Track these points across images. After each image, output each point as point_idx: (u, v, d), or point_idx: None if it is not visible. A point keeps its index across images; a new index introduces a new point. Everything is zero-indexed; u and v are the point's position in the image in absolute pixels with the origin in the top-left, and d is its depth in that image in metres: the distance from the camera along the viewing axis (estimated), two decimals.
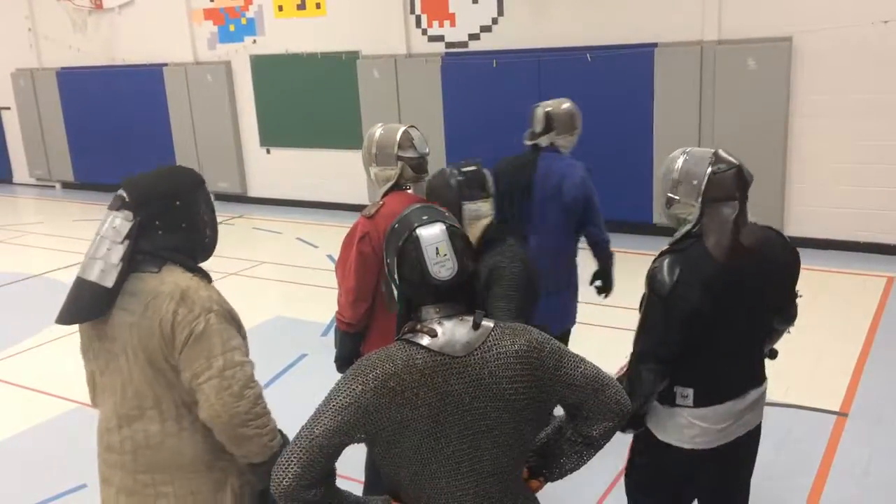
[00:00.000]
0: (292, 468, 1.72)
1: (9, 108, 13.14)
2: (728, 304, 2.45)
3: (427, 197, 2.90)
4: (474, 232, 2.77)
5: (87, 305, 2.12)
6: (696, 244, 2.44)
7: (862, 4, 7.03)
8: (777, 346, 2.80)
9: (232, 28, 10.66)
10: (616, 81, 8.11)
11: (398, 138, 3.24)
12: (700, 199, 2.43)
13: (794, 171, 7.63)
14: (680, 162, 2.50)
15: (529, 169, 3.98)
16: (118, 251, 2.10)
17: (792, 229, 7.51)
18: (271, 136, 10.76)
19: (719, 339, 2.48)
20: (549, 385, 1.84)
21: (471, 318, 1.81)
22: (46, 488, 4.16)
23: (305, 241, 8.93)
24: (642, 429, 2.63)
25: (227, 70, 10.73)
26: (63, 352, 6.08)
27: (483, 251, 2.75)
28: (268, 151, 10.83)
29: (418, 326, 1.80)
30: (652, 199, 8.08)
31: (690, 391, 2.51)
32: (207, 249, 2.29)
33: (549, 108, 4.20)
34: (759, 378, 2.65)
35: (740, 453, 2.68)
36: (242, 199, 11.03)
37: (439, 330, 1.78)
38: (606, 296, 4.28)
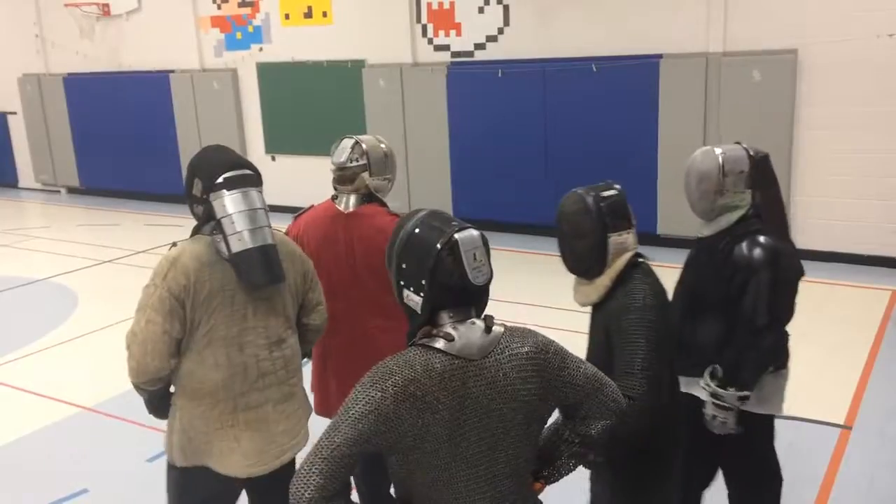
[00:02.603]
0: (314, 479, 1.68)
1: (15, 113, 13.19)
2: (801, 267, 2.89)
3: (560, 224, 2.56)
4: (615, 267, 2.44)
5: (280, 264, 2.62)
6: (760, 223, 2.77)
7: (868, 18, 7.04)
8: None
9: (239, 36, 10.71)
10: (621, 92, 8.12)
11: (335, 146, 3.34)
12: (749, 185, 2.76)
13: (799, 183, 7.63)
14: (720, 158, 2.76)
15: None
16: (268, 217, 2.63)
17: (796, 241, 7.49)
18: (276, 144, 10.79)
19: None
20: (555, 385, 1.88)
21: (480, 321, 1.83)
22: (49, 493, 4.15)
23: None
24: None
25: (233, 77, 10.77)
26: (66, 356, 6.10)
27: (616, 285, 2.45)
28: (273, 158, 10.86)
29: (434, 331, 1.80)
30: (656, 211, 8.08)
31: None
32: None
33: None
34: None
35: None
36: None
37: (455, 334, 1.79)
38: None
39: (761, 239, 2.71)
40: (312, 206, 3.41)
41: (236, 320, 2.58)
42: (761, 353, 2.72)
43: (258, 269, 2.53)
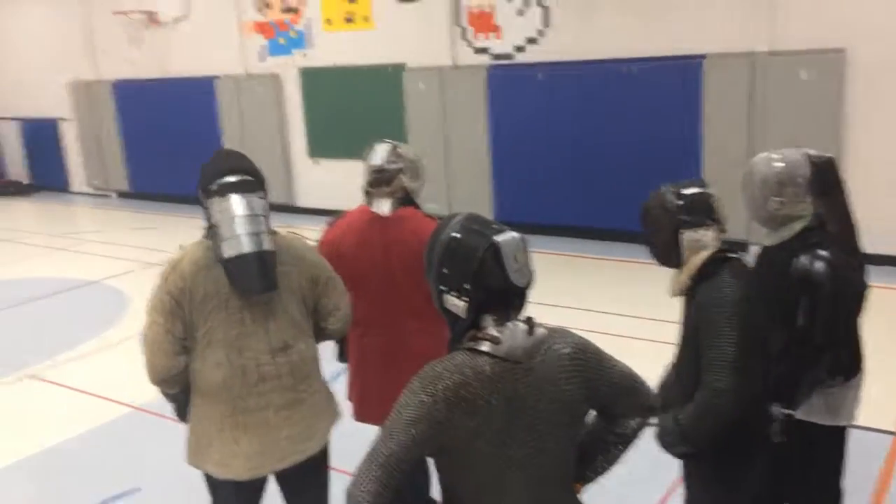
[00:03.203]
0: (371, 486, 1.69)
1: (67, 120, 13.55)
2: (864, 280, 2.77)
3: (642, 219, 2.58)
4: (692, 264, 2.45)
5: (274, 270, 2.62)
6: (824, 234, 2.64)
7: None
8: None
9: (282, 41, 10.86)
10: (663, 94, 8.05)
11: (369, 150, 3.37)
12: (810, 194, 2.62)
13: (849, 185, 7.45)
14: (777, 165, 2.64)
15: None
16: (267, 223, 2.64)
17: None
18: (319, 147, 10.92)
19: (858, 315, 2.77)
20: (595, 384, 1.90)
21: (521, 323, 1.85)
22: (101, 491, 4.27)
23: None
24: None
25: (276, 82, 10.93)
26: (118, 357, 6.25)
27: (696, 284, 2.46)
28: (315, 162, 10.99)
29: (479, 334, 1.82)
30: None
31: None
32: None
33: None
34: None
35: None
36: (290, 209, 11.19)
37: (500, 337, 1.81)
38: None
39: (821, 253, 2.58)
40: (347, 211, 3.43)
41: (233, 324, 2.62)
42: (815, 374, 2.64)
43: (246, 276, 2.56)
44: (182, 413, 2.88)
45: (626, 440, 2.06)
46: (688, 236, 2.44)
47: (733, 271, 2.42)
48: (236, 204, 2.58)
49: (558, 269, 7.76)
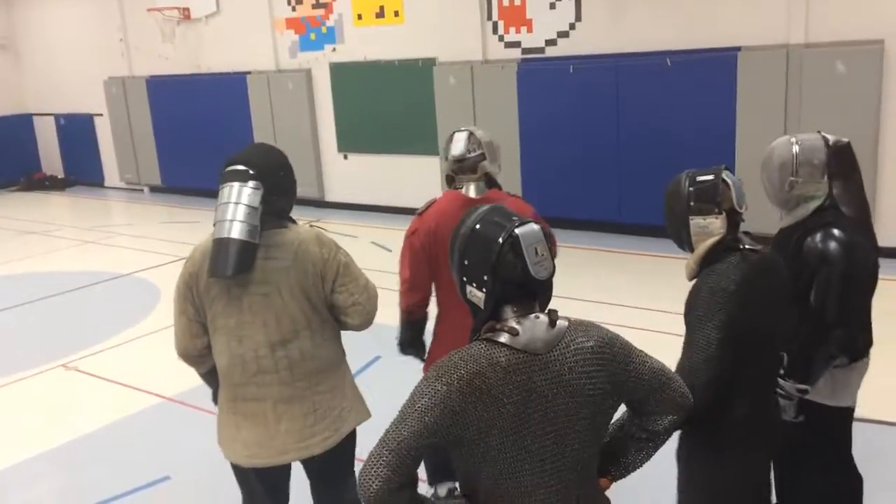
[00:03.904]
0: (381, 471, 1.71)
1: (101, 115, 13.76)
2: (876, 261, 2.79)
3: (665, 204, 2.61)
4: (700, 249, 2.49)
5: (244, 259, 2.59)
6: (837, 214, 2.72)
7: None
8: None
9: (313, 37, 10.90)
10: (697, 87, 7.94)
11: (448, 140, 3.48)
12: (826, 175, 2.71)
13: (886, 179, 7.31)
14: (795, 147, 2.75)
15: None
16: (256, 215, 2.61)
17: (883, 239, 7.16)
18: (349, 142, 10.95)
19: (871, 296, 2.80)
20: (621, 379, 1.87)
21: (544, 316, 1.83)
22: (132, 479, 4.32)
23: (380, 245, 9.04)
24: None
25: (307, 78, 10.98)
26: (149, 348, 6.33)
27: (702, 268, 2.49)
28: (345, 157, 11.02)
29: (498, 326, 1.81)
30: None
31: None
32: (292, 209, 2.84)
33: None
34: None
35: None
36: (320, 203, 11.25)
37: (519, 328, 1.79)
38: None
39: (834, 231, 2.67)
40: (434, 199, 3.45)
41: (233, 312, 2.69)
42: (827, 350, 2.68)
43: (213, 259, 2.61)
44: (215, 397, 2.95)
45: (658, 437, 2.04)
46: (695, 223, 2.48)
47: (738, 261, 2.41)
48: (223, 192, 2.65)
49: (589, 264, 7.70)
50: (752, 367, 2.42)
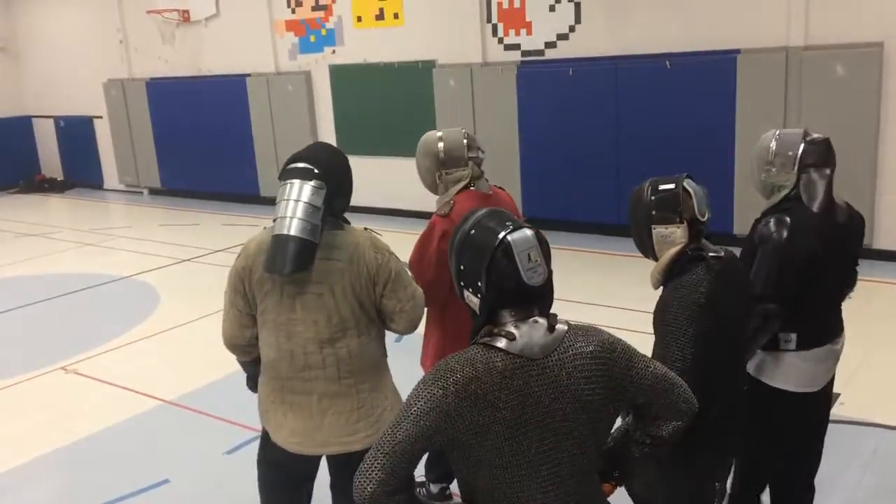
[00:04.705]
0: (376, 474, 1.72)
1: (101, 117, 13.75)
2: (832, 250, 2.81)
3: (629, 212, 2.64)
4: (663, 259, 2.50)
5: (303, 258, 2.60)
6: (797, 203, 2.81)
7: None
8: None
9: (312, 39, 10.91)
10: (696, 89, 7.94)
11: (465, 141, 3.47)
12: (796, 167, 2.82)
13: (885, 182, 7.31)
14: (774, 138, 2.91)
15: None
16: (318, 214, 2.62)
17: (882, 242, 7.20)
18: (348, 144, 10.91)
19: (824, 283, 2.83)
20: (622, 385, 1.85)
21: (543, 320, 1.82)
22: (132, 482, 4.30)
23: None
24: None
25: (306, 80, 10.98)
26: (148, 351, 6.32)
27: (667, 278, 2.50)
28: None
29: (495, 330, 1.80)
30: (733, 211, 7.86)
31: (794, 336, 2.83)
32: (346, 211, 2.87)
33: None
34: (842, 326, 3.01)
35: (829, 396, 3.02)
36: None
37: (516, 333, 1.78)
38: None
39: (785, 217, 2.79)
40: (453, 201, 3.40)
41: (284, 309, 2.72)
42: (753, 322, 2.71)
43: (270, 256, 2.62)
44: (252, 385, 3.01)
45: (661, 443, 2.02)
46: (657, 232, 2.50)
47: (703, 272, 2.40)
48: (285, 189, 2.67)
49: (589, 267, 7.70)
50: (724, 369, 2.45)
